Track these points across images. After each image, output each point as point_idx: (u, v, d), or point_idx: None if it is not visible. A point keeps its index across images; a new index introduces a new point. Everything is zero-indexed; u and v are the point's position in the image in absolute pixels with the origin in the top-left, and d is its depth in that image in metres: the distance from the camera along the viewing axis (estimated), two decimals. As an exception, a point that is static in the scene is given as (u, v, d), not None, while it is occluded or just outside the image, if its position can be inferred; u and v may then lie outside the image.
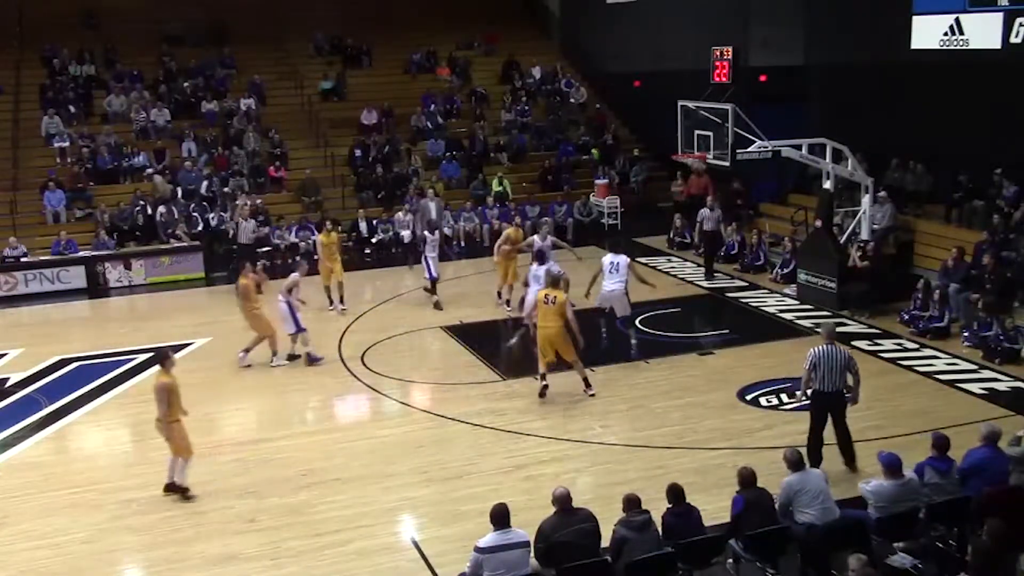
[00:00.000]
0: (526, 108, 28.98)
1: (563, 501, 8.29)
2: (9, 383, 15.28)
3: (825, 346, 10.82)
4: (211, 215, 23.48)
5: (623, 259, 15.81)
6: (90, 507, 11.07)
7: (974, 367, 14.66)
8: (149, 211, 23.13)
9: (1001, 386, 13.92)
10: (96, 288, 21.10)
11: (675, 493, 8.63)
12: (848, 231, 18.67)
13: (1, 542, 10.36)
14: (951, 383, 14.09)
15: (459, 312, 18.24)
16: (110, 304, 20.66)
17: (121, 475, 11.94)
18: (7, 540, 10.39)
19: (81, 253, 21.57)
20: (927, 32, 18.12)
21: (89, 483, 11.68)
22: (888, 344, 15.87)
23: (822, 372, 10.74)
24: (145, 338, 17.19)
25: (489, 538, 8.00)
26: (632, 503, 8.39)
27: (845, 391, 10.90)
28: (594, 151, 27.52)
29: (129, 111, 26.56)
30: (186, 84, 27.68)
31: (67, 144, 25.16)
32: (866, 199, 18.50)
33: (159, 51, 28.62)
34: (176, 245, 22.32)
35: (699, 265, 21.26)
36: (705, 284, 20.08)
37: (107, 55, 28.26)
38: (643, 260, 22.21)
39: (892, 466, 8.81)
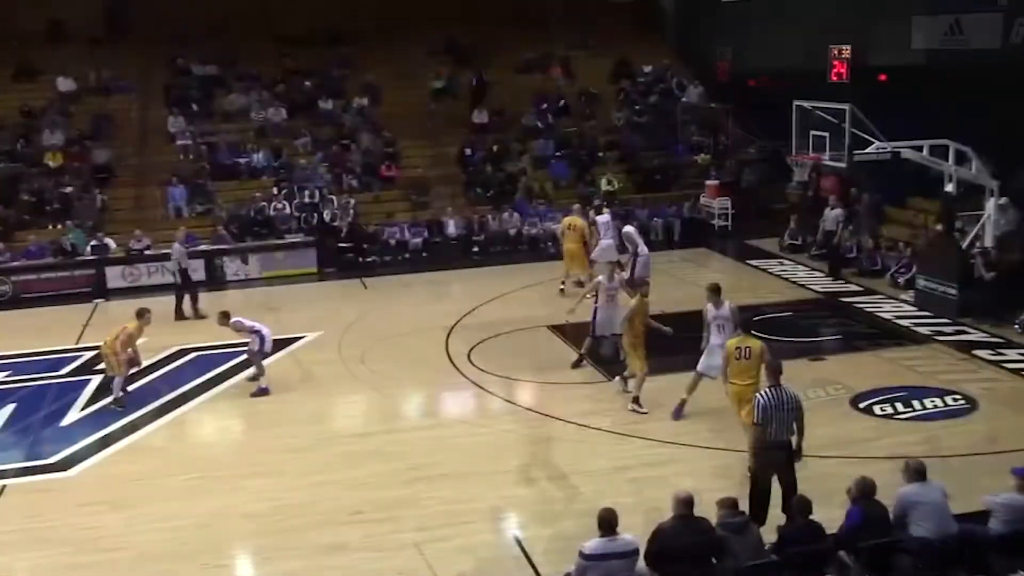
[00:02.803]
0: (637, 107, 28.76)
1: (685, 506, 8.13)
2: (132, 371, 15.85)
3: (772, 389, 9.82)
4: (324, 212, 23.97)
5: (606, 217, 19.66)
6: (206, 493, 11.43)
7: (1105, 380, 14.00)
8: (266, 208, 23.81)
9: None
10: (215, 281, 21.75)
11: (802, 506, 8.45)
12: (971, 236, 18.00)
13: (123, 524, 10.77)
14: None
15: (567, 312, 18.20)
16: (227, 297, 21.19)
17: (234, 463, 12.32)
18: (128, 522, 10.80)
19: (201, 247, 22.26)
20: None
21: (204, 470, 12.07)
22: (1012, 354, 15.24)
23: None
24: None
25: (594, 544, 7.86)
26: (729, 504, 8.31)
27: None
28: (703, 157, 27.07)
29: (248, 110, 27.32)
30: (307, 84, 28.27)
31: (189, 142, 26.02)
32: (990, 203, 17.80)
33: (278, 52, 29.32)
34: (290, 241, 22.87)
35: (812, 268, 20.95)
36: (818, 288, 19.66)
37: (229, 56, 29.08)
38: (754, 263, 21.96)
39: None
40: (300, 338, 17.12)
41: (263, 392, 14.50)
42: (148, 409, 14.15)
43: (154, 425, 13.68)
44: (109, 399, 14.30)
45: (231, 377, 15.43)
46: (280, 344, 16.79)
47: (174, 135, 26.29)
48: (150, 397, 14.58)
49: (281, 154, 25.94)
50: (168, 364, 16.16)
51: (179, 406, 14.33)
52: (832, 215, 21.20)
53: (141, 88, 28.03)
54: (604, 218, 20.10)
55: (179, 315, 18.91)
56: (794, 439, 9.90)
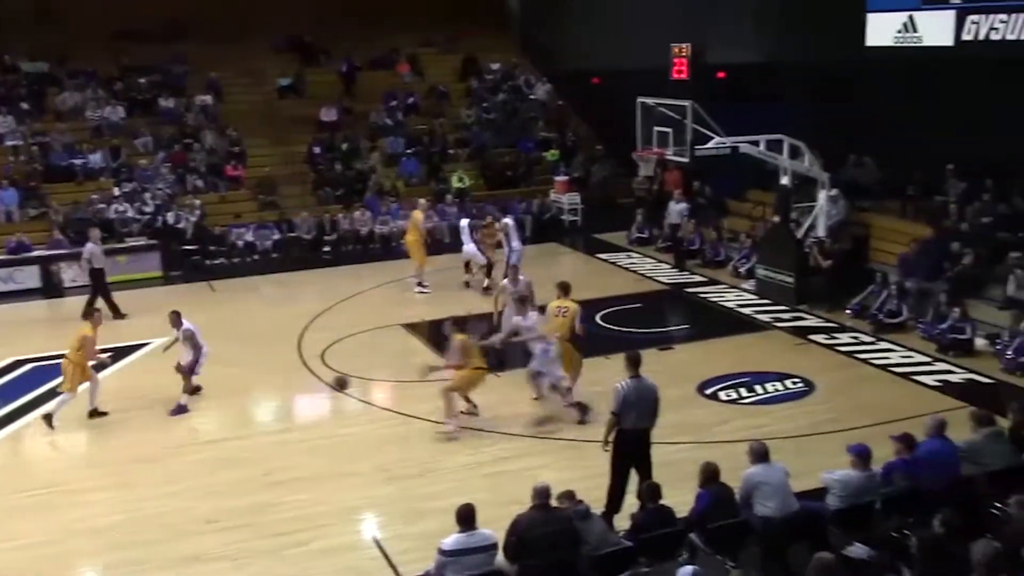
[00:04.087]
0: (486, 105, 28.99)
1: (542, 496, 8.29)
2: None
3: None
4: (168, 213, 23.27)
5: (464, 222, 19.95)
6: (48, 509, 10.96)
7: (929, 360, 14.91)
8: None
9: (955, 378, 14.17)
10: (51, 288, 20.82)
11: (651, 492, 8.72)
12: (805, 227, 18.88)
13: (-42, 546, 10.24)
14: (906, 375, 14.33)
15: (420, 309, 18.24)
16: (66, 304, 20.37)
17: (81, 476, 11.84)
18: (-33, 544, 10.27)
19: (35, 253, 21.28)
20: (881, 29, 18.37)
21: (48, 485, 11.57)
22: (845, 338, 16.10)
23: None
24: (102, 338, 16.99)
25: (453, 540, 7.94)
26: (568, 496, 8.53)
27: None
28: (551, 152, 27.56)
29: (84, 109, 26.24)
30: (142, 81, 27.36)
31: (20, 142, 24.80)
32: (822, 195, 18.71)
33: (114, 48, 28.26)
34: (132, 244, 22.09)
35: (659, 261, 21.60)
36: (664, 280, 20.28)
37: (60, 52, 27.86)
38: (603, 256, 22.50)
39: (863, 457, 8.89)
40: (146, 344, 16.57)
41: (182, 410, 13.72)
42: (-18, 425, 13.49)
43: (-10, 441, 13.03)
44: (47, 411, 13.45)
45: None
46: (125, 352, 16.26)
47: (3, 135, 24.97)
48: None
49: (120, 154, 25.02)
50: (3, 376, 15.42)
51: (17, 419, 13.69)
52: (676, 209, 21.88)
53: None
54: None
55: (88, 313, 17.55)
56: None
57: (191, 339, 13.94)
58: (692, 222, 22.03)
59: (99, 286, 18.64)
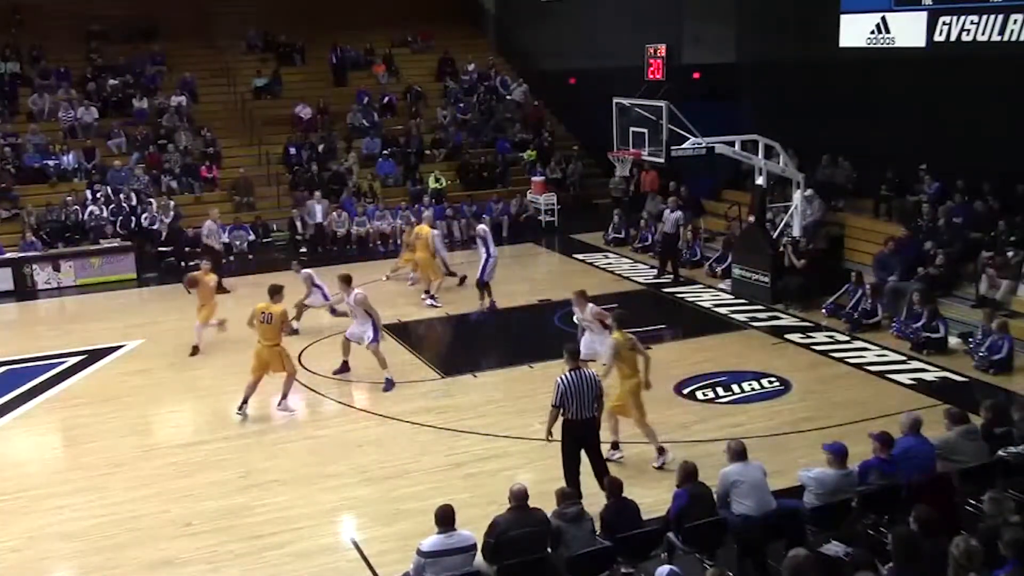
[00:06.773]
0: (462, 105, 28.97)
1: (519, 498, 8.29)
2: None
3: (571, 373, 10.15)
4: (143, 215, 23.10)
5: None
6: (20, 514, 10.83)
7: (903, 358, 15.01)
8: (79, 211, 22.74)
9: (929, 376, 14.27)
10: (24, 290, 20.61)
11: (613, 487, 8.78)
12: (780, 226, 18.96)
13: (-72, 552, 10.10)
14: (881, 374, 14.42)
15: (397, 310, 18.17)
16: (39, 306, 20.18)
17: (51, 481, 11.69)
18: (-66, 550, 10.13)
19: (8, 255, 21.06)
20: (855, 30, 18.48)
21: (18, 489, 11.42)
22: (820, 337, 16.18)
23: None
24: (75, 341, 16.87)
25: (432, 541, 7.93)
26: (566, 496, 8.55)
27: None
28: (529, 153, 27.55)
29: (56, 109, 25.99)
30: (115, 81, 27.13)
31: (-9, 143, 24.56)
32: (797, 195, 18.81)
33: (86, 48, 28.03)
34: (107, 246, 21.89)
35: (635, 261, 21.69)
36: (641, 280, 20.30)
37: (32, 52, 27.62)
38: (580, 256, 22.54)
39: (839, 455, 8.93)
40: (119, 347, 16.44)
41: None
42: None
43: (-39, 445, 12.87)
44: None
45: (45, 391, 14.66)
46: (99, 355, 16.14)
47: (-28, 137, 24.74)
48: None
49: (94, 155, 24.80)
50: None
51: (-10, 424, 13.54)
52: (672, 218, 20.68)
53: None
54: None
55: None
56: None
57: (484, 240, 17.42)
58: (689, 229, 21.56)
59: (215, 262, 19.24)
